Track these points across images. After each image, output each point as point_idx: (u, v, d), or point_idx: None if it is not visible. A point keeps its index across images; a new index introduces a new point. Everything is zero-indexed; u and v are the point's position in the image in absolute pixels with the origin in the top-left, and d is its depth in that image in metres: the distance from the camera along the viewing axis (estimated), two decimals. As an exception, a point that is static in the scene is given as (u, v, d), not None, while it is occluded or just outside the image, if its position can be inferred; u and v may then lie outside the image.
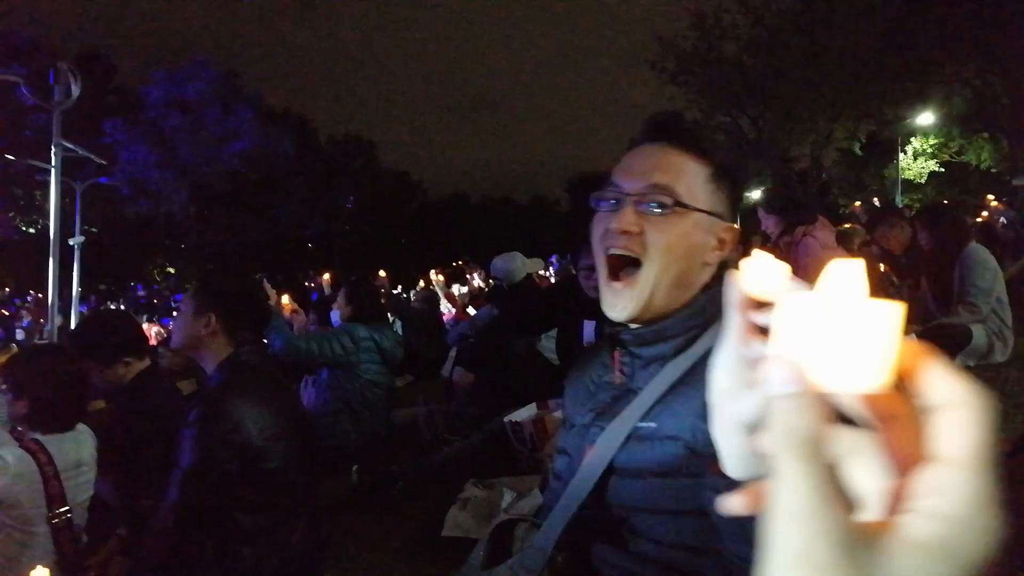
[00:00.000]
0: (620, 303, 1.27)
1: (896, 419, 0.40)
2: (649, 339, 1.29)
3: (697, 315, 1.27)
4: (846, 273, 0.40)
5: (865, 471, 0.40)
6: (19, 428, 2.88)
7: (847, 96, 23.68)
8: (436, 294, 10.35)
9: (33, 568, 2.01)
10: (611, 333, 1.36)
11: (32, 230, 28.42)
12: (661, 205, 1.23)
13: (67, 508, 2.72)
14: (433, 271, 11.85)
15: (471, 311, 9.12)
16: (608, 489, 1.27)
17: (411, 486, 3.74)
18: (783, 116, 24.64)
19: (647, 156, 1.29)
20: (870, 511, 0.39)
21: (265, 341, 4.15)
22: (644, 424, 1.25)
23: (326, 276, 8.82)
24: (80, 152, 16.31)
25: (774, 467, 0.38)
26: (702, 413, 1.12)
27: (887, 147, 26.93)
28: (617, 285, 1.27)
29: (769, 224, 5.02)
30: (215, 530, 2.27)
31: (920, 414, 0.39)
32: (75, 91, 15.04)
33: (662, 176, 1.25)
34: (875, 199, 19.29)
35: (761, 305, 0.81)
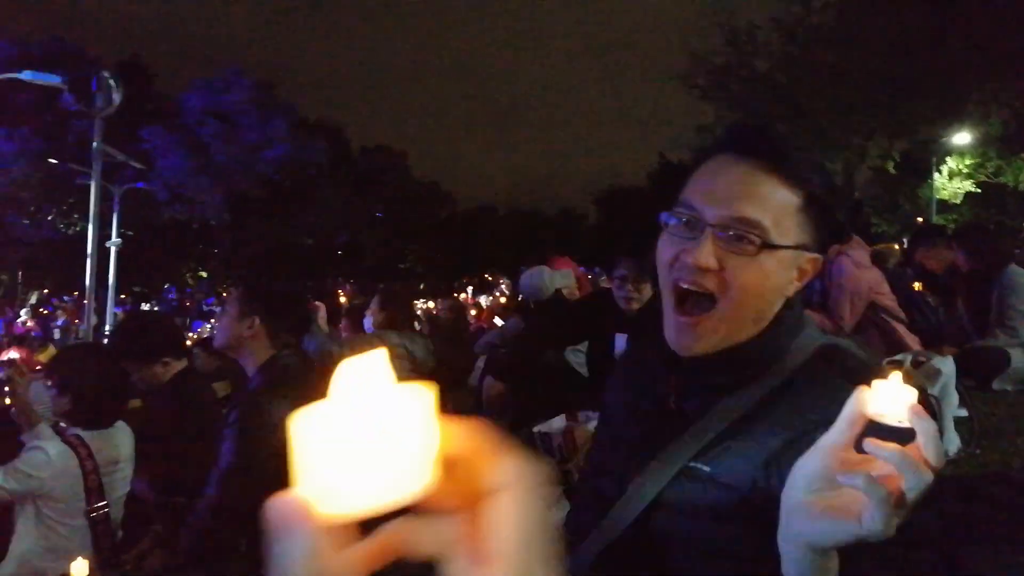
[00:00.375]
0: (687, 341, 1.15)
1: (461, 512, 0.36)
2: (714, 366, 1.17)
3: (768, 347, 1.16)
4: (361, 370, 0.35)
5: (458, 570, 0.37)
6: (60, 423, 2.95)
7: (881, 114, 23.44)
8: (462, 304, 10.39)
9: (73, 560, 2.06)
10: (671, 354, 1.22)
11: (71, 231, 29.02)
12: (747, 241, 1.09)
13: (105, 503, 2.78)
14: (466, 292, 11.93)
15: (499, 322, 9.14)
16: (650, 521, 1.17)
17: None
18: (815, 133, 24.44)
19: (732, 179, 1.12)
20: None
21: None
22: (699, 465, 1.12)
23: (342, 299, 8.90)
24: (120, 157, 16.66)
25: None
26: (763, 464, 1.05)
27: (922, 166, 26.58)
28: (685, 320, 1.15)
29: (803, 241, 4.98)
30: (250, 528, 2.30)
31: (480, 503, 0.36)
32: (116, 98, 15.42)
33: (750, 208, 1.09)
34: (919, 219, 19.03)
35: (878, 431, 0.78)
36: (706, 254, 1.09)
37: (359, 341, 4.76)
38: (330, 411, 0.33)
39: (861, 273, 4.72)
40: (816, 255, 1.17)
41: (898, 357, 4.07)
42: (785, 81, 24.57)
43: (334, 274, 35.27)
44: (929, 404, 4.16)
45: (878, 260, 5.54)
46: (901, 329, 4.64)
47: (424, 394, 0.34)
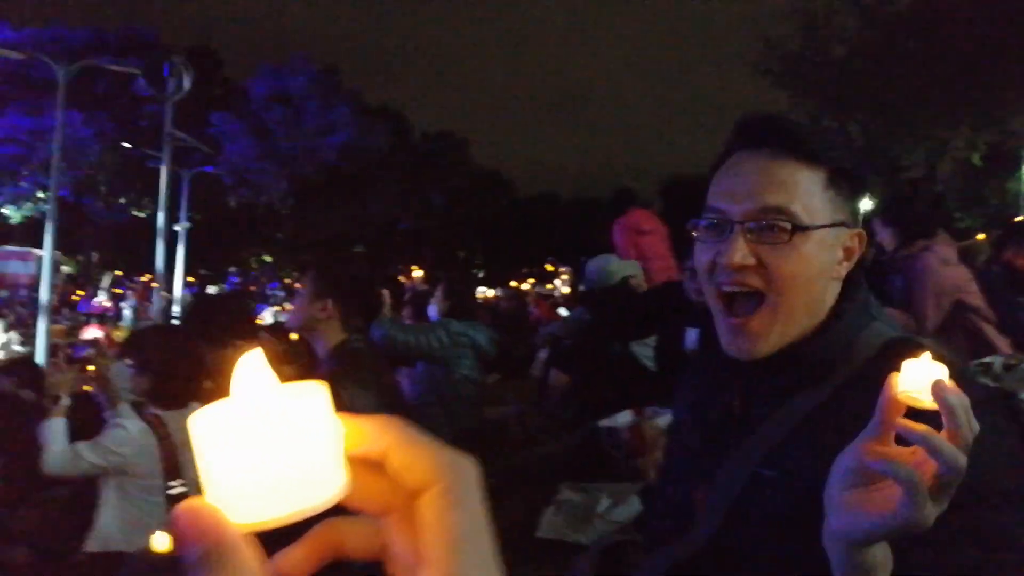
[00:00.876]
0: (744, 344, 1.13)
1: (395, 513, 0.35)
2: (774, 367, 1.14)
3: (832, 343, 1.13)
4: (253, 369, 0.33)
5: (399, 572, 0.35)
6: (139, 402, 3.07)
7: (966, 103, 22.46)
8: (523, 293, 10.40)
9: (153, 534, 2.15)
10: (730, 357, 1.19)
11: (143, 214, 30.11)
12: (778, 230, 1.08)
13: (182, 481, 2.88)
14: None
15: (562, 311, 9.14)
16: (724, 534, 1.14)
17: (504, 484, 3.77)
18: (894, 122, 23.57)
19: (751, 172, 1.13)
20: None
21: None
22: (766, 471, 1.10)
23: (418, 273, 9.01)
24: (189, 142, 17.20)
25: None
26: (832, 459, 1.01)
27: (1010, 159, 25.39)
28: (737, 323, 1.12)
29: (884, 237, 4.81)
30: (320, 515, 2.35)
31: (412, 502, 0.34)
32: (186, 84, 15.89)
33: (774, 196, 1.09)
34: (1017, 219, 18.19)
35: (914, 414, 0.75)
36: (740, 252, 1.08)
37: (423, 329, 4.81)
38: (229, 413, 0.31)
39: (946, 271, 4.54)
40: (858, 230, 1.16)
41: (987, 360, 3.91)
42: (863, 68, 23.74)
43: (396, 261, 35.74)
44: (1019, 409, 3.98)
45: (966, 257, 5.33)
46: (990, 330, 4.45)
47: (319, 391, 0.32)
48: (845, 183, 1.14)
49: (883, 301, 4.45)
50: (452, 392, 4.70)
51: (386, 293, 4.95)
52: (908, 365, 0.77)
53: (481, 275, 37.51)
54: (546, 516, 3.15)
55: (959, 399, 0.73)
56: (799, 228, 1.08)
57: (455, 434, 4.67)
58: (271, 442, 0.31)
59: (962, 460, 0.71)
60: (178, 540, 0.30)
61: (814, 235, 1.09)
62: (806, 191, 1.10)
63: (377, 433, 0.34)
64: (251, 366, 0.33)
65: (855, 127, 24.86)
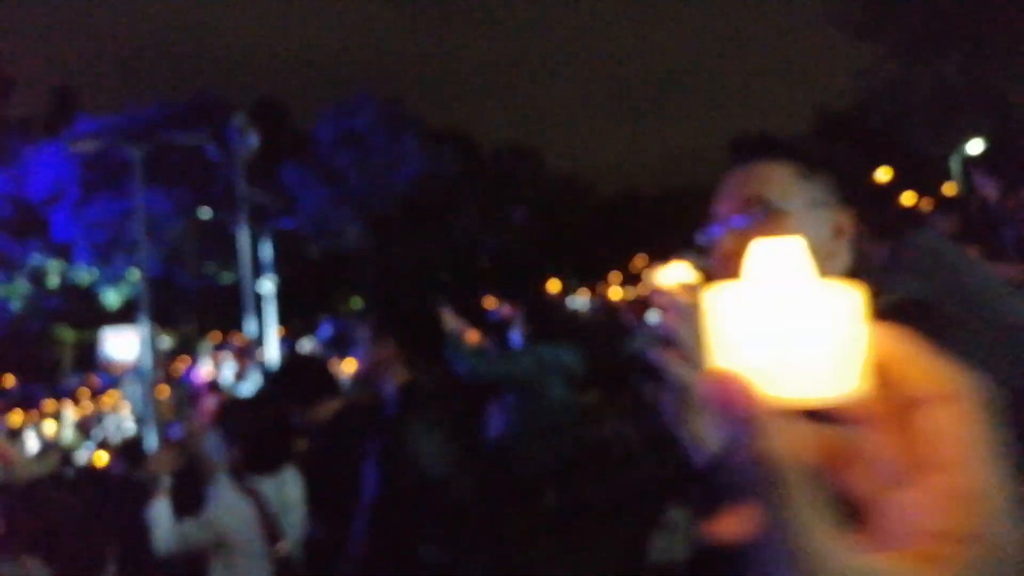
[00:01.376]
0: None
1: (883, 420, 0.35)
2: None
3: None
4: (785, 255, 0.33)
5: (862, 483, 0.36)
6: (234, 471, 3.23)
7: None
8: (615, 302, 10.31)
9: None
10: None
11: (229, 278, 31.52)
12: (757, 215, 1.26)
13: (284, 544, 3.02)
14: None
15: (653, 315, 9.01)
16: None
17: (610, 510, 3.75)
18: (996, 56, 22.16)
19: (731, 179, 1.35)
20: (879, 528, 0.34)
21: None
22: None
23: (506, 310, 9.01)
24: (263, 200, 17.90)
25: (755, 504, 0.32)
26: None
27: None
28: None
29: (988, 188, 4.56)
30: (398, 561, 2.40)
31: (908, 411, 0.35)
32: (253, 142, 16.60)
33: (749, 189, 1.29)
34: None
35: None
36: (728, 242, 1.26)
37: (508, 357, 4.85)
38: (752, 292, 0.32)
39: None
40: (843, 210, 1.29)
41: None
42: (955, 5, 22.49)
43: (481, 286, 36.07)
44: None
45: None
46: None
47: (852, 291, 0.33)
48: (823, 169, 1.30)
49: (996, 256, 4.21)
50: (546, 418, 4.70)
51: (460, 322, 5.03)
52: (658, 273, 1.14)
53: (573, 283, 37.43)
54: (656, 540, 3.13)
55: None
56: (775, 210, 1.25)
57: (554, 462, 4.67)
58: (804, 325, 0.32)
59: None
60: (715, 401, 0.32)
61: (792, 215, 1.25)
62: (778, 182, 1.28)
63: (880, 339, 0.35)
64: (780, 251, 0.34)
65: (952, 69, 23.53)
